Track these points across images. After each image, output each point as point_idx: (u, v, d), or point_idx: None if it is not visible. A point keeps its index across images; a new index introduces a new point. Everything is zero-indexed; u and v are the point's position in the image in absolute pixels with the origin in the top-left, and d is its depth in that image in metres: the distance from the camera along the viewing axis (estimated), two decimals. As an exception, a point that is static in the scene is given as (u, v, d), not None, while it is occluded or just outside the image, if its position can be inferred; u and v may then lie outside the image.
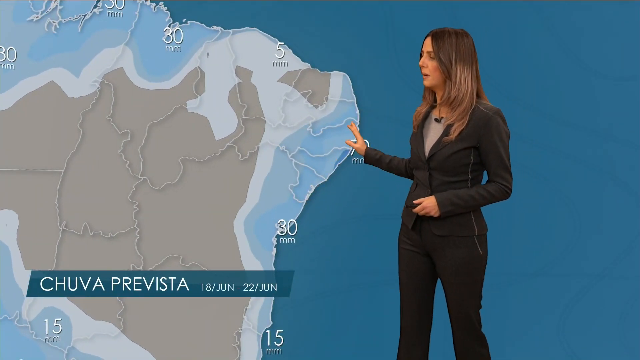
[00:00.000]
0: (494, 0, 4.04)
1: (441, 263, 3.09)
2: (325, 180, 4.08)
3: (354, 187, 4.08)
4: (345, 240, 4.10)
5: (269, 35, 4.06)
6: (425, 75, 3.05)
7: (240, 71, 4.06)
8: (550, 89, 4.07)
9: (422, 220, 3.09)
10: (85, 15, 4.01)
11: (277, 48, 4.06)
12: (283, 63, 4.06)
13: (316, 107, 4.07)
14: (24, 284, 4.04)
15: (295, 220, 4.08)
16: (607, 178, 4.09)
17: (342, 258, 4.10)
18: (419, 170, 3.12)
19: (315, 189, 4.08)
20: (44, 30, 4.00)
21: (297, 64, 4.06)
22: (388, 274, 4.08)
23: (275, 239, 4.08)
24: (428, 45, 3.04)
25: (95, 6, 4.01)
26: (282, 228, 4.08)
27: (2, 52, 3.98)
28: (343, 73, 4.06)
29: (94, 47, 4.02)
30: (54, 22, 4.00)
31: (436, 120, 3.09)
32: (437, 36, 3.03)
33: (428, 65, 3.04)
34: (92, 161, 4.04)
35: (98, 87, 4.03)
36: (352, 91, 4.06)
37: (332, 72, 4.07)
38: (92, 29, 4.01)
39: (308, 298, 4.11)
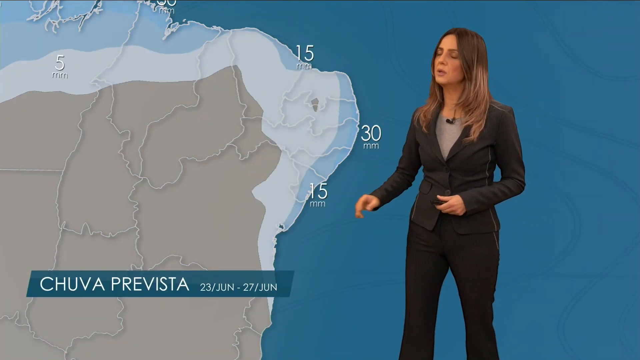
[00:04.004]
0: (494, 0, 4.04)
1: (461, 261, 3.10)
2: (325, 180, 4.08)
3: (354, 187, 4.07)
4: (345, 240, 4.09)
5: (269, 35, 4.06)
6: (442, 72, 3.02)
7: (240, 71, 4.06)
8: (550, 89, 4.06)
9: (443, 220, 3.09)
10: (85, 15, 4.01)
11: (276, 48, 4.06)
12: (284, 63, 4.06)
13: (316, 107, 4.07)
14: (24, 284, 4.04)
15: (296, 220, 4.08)
16: (607, 178, 4.09)
17: (342, 258, 4.10)
18: (436, 171, 3.10)
19: (315, 189, 4.08)
20: (44, 30, 4.00)
21: (297, 64, 4.06)
22: (388, 274, 4.08)
23: (275, 239, 4.08)
24: (451, 44, 3.02)
25: (95, 6, 4.01)
26: (283, 228, 4.08)
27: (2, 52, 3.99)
28: (343, 73, 4.06)
29: (94, 47, 4.02)
30: (54, 22, 4.00)
31: (448, 121, 3.08)
32: (461, 35, 3.02)
33: (448, 63, 3.02)
34: (92, 161, 4.04)
35: (98, 87, 4.03)
36: (352, 91, 4.06)
37: (332, 72, 4.07)
38: (92, 29, 4.02)
39: (308, 298, 4.11)
